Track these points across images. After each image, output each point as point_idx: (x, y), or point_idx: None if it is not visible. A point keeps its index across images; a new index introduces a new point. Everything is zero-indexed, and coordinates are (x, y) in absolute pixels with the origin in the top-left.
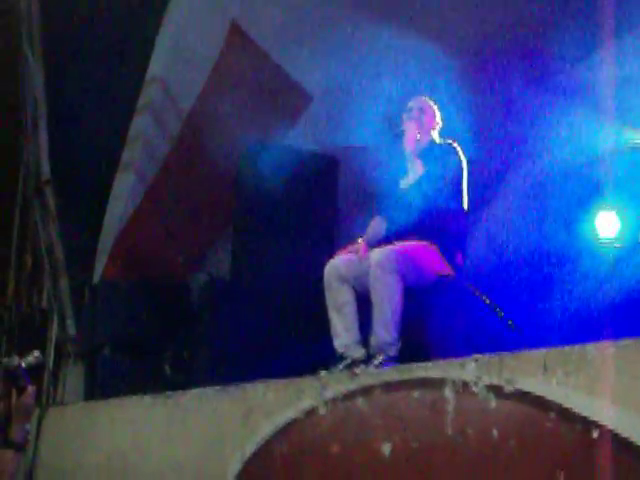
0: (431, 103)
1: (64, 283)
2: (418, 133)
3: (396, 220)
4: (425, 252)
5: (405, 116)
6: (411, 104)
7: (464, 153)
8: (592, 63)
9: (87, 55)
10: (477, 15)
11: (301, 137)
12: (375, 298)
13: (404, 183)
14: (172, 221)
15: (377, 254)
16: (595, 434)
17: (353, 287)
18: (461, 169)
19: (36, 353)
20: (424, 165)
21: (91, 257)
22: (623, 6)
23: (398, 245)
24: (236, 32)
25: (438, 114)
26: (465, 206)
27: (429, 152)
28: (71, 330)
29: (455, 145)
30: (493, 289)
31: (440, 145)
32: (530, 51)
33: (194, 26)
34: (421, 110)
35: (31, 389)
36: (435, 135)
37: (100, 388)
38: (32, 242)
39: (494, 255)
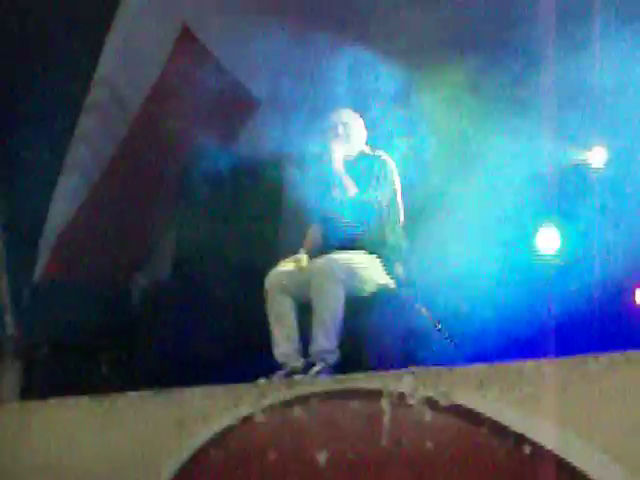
0: (354, 115)
1: (4, 281)
2: (345, 149)
3: (336, 231)
4: (366, 262)
5: (330, 134)
6: (334, 119)
7: (404, 162)
8: (535, 80)
9: (35, 54)
10: (425, 27)
11: (248, 142)
12: (316, 306)
13: (339, 194)
14: (115, 222)
15: (319, 263)
16: (528, 450)
17: (294, 297)
18: (392, 180)
19: None
20: (355, 178)
21: (32, 255)
22: (566, 23)
23: (343, 255)
24: (186, 35)
25: (362, 124)
26: (401, 217)
27: (359, 164)
28: (10, 328)
29: (384, 156)
30: (433, 302)
31: (369, 156)
32: (476, 63)
33: (144, 28)
34: (345, 124)
35: None
36: (362, 146)
37: (37, 388)
38: None
39: (435, 268)
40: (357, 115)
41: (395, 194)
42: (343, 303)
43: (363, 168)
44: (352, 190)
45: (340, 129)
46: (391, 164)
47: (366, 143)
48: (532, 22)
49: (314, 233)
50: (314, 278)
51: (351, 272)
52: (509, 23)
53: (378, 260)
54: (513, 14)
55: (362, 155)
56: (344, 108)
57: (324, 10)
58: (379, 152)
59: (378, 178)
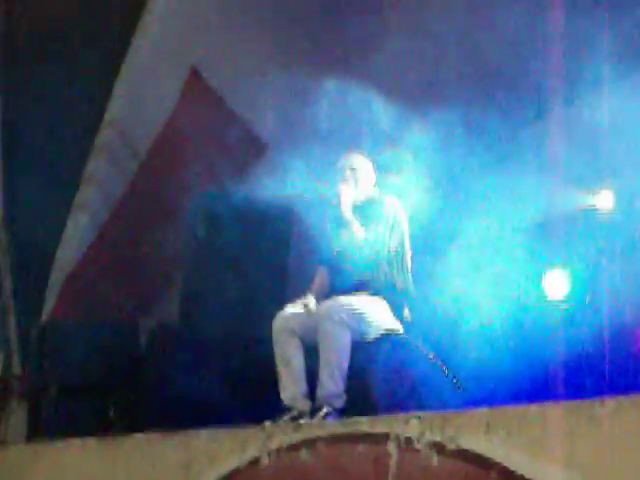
0: (362, 158)
1: (12, 321)
2: (352, 194)
3: (344, 274)
4: (373, 306)
5: (339, 178)
6: (341, 163)
7: (412, 206)
8: (541, 123)
9: (46, 94)
10: (434, 69)
11: (256, 185)
12: (323, 350)
13: (347, 238)
14: (123, 264)
15: (326, 307)
16: None
17: (301, 340)
18: (401, 224)
19: None
20: (364, 222)
21: (40, 296)
22: (571, 67)
23: (349, 299)
24: (195, 78)
25: (371, 168)
26: (409, 262)
27: (368, 208)
28: (17, 369)
29: (393, 200)
30: (439, 345)
31: (378, 200)
32: (483, 111)
33: (153, 71)
34: (353, 169)
35: None
36: (371, 190)
37: (44, 429)
38: None
39: (441, 311)
40: (366, 159)
41: (403, 238)
42: (349, 347)
43: (372, 212)
44: (361, 234)
45: (347, 172)
46: (400, 208)
47: (375, 187)
48: (537, 65)
49: (321, 276)
50: (320, 322)
51: (357, 316)
52: (514, 66)
53: (385, 303)
54: (517, 56)
55: (371, 199)
56: (354, 152)
57: (328, 49)
58: (388, 196)
59: (387, 222)
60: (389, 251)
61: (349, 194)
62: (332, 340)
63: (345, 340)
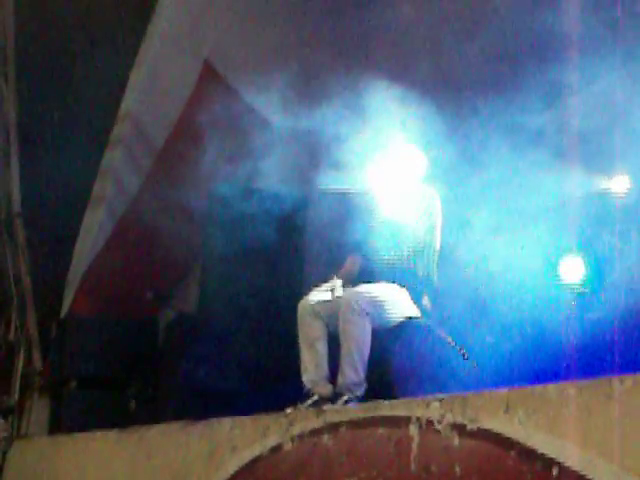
0: (413, 148)
1: (32, 316)
2: (393, 183)
3: (372, 262)
4: (394, 294)
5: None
6: (392, 151)
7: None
8: (556, 108)
9: (61, 88)
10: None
11: (271, 176)
12: (344, 339)
13: (378, 222)
14: (140, 257)
15: (348, 296)
16: (555, 472)
17: (326, 324)
18: (435, 216)
19: None
20: (400, 212)
21: (59, 291)
22: (587, 50)
23: (369, 287)
24: (208, 71)
25: (418, 160)
26: (436, 253)
27: (405, 199)
28: (38, 363)
29: (431, 191)
30: (459, 330)
31: (416, 191)
32: (498, 96)
33: (167, 64)
34: (405, 161)
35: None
36: (412, 180)
37: (65, 422)
38: (0, 274)
39: (460, 297)
40: (417, 149)
41: (434, 228)
42: (370, 336)
43: (410, 203)
44: (394, 224)
45: (398, 161)
46: (437, 201)
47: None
48: (553, 49)
49: (351, 263)
50: (342, 311)
51: (377, 304)
52: (528, 52)
53: (405, 290)
54: (532, 41)
55: (409, 190)
56: (407, 143)
57: (340, 42)
58: (426, 187)
59: (422, 213)
60: (419, 241)
61: (385, 184)
62: (353, 329)
63: (366, 329)
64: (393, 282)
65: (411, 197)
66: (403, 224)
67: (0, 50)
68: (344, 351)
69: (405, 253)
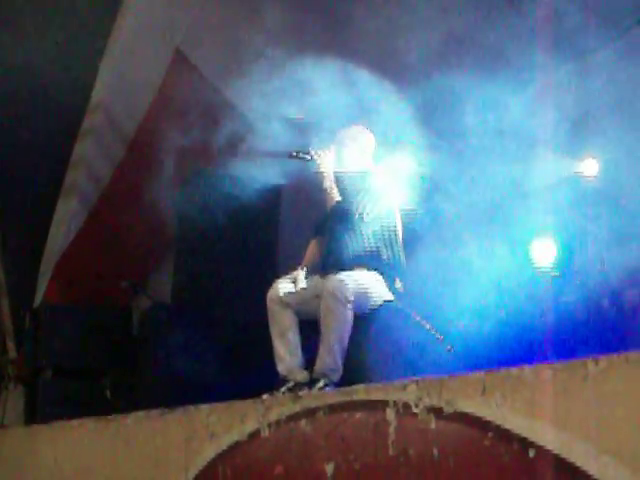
0: (362, 129)
1: (5, 305)
2: (352, 163)
3: (334, 248)
4: (371, 281)
5: (337, 146)
6: (342, 134)
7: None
8: (531, 94)
9: (31, 79)
10: (420, 45)
11: (243, 161)
12: (325, 327)
13: (339, 210)
14: (114, 245)
15: (330, 283)
16: (532, 453)
17: (296, 312)
18: (388, 196)
19: None
20: (357, 194)
21: (33, 280)
22: (558, 41)
23: (348, 274)
24: (179, 59)
25: (371, 140)
26: (400, 234)
27: (358, 179)
28: (12, 353)
29: (384, 173)
30: (433, 313)
31: (373, 173)
32: (467, 81)
33: (138, 53)
34: (353, 139)
35: None
36: (368, 162)
37: (41, 412)
38: None
39: (434, 280)
40: (366, 130)
41: (394, 211)
42: (351, 324)
43: (363, 183)
44: (352, 205)
45: (348, 142)
46: (391, 181)
47: (371, 158)
48: (525, 32)
49: (312, 249)
50: (324, 299)
51: (359, 291)
52: (500, 33)
53: (379, 276)
54: (503, 23)
55: (367, 171)
56: (355, 124)
57: (317, 28)
58: (379, 168)
59: (376, 194)
60: (381, 224)
61: (329, 163)
62: (334, 316)
63: (348, 318)
64: (366, 268)
65: (365, 179)
66: (363, 210)
67: None
68: (324, 339)
69: (372, 238)
